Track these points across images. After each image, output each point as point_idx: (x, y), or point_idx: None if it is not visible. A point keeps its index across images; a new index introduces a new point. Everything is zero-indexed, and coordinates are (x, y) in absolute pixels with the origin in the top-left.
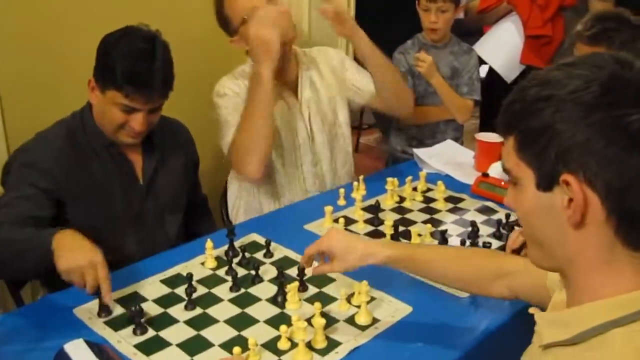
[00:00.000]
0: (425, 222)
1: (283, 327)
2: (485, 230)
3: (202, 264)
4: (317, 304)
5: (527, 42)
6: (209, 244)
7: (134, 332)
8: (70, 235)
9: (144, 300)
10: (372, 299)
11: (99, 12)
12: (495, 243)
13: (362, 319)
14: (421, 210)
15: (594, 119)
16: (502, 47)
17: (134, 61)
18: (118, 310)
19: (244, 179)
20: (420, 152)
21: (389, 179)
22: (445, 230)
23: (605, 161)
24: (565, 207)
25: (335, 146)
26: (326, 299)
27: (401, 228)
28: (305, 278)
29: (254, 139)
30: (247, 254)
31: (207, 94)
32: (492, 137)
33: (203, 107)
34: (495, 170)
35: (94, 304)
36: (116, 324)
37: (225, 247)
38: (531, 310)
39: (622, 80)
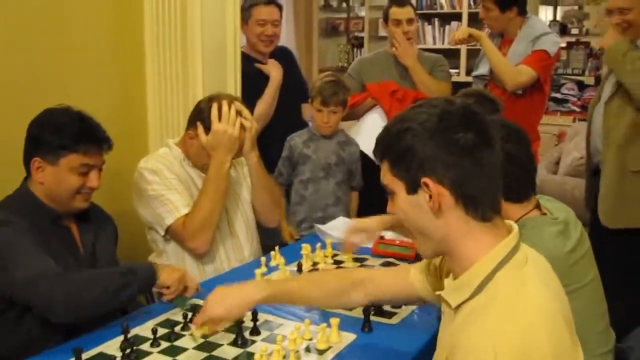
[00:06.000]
0: None
1: (258, 355)
2: None
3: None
4: (279, 337)
5: None
6: None
7: None
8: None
9: (114, 358)
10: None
11: None
12: None
13: (321, 345)
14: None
15: (437, 139)
16: (370, 134)
17: (76, 123)
18: None
19: (192, 251)
20: (322, 227)
21: (304, 245)
22: None
23: (447, 165)
24: (428, 202)
25: (249, 224)
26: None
27: None
28: (258, 324)
29: (211, 216)
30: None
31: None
32: None
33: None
34: (388, 233)
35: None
36: None
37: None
38: (438, 292)
39: (449, 112)
